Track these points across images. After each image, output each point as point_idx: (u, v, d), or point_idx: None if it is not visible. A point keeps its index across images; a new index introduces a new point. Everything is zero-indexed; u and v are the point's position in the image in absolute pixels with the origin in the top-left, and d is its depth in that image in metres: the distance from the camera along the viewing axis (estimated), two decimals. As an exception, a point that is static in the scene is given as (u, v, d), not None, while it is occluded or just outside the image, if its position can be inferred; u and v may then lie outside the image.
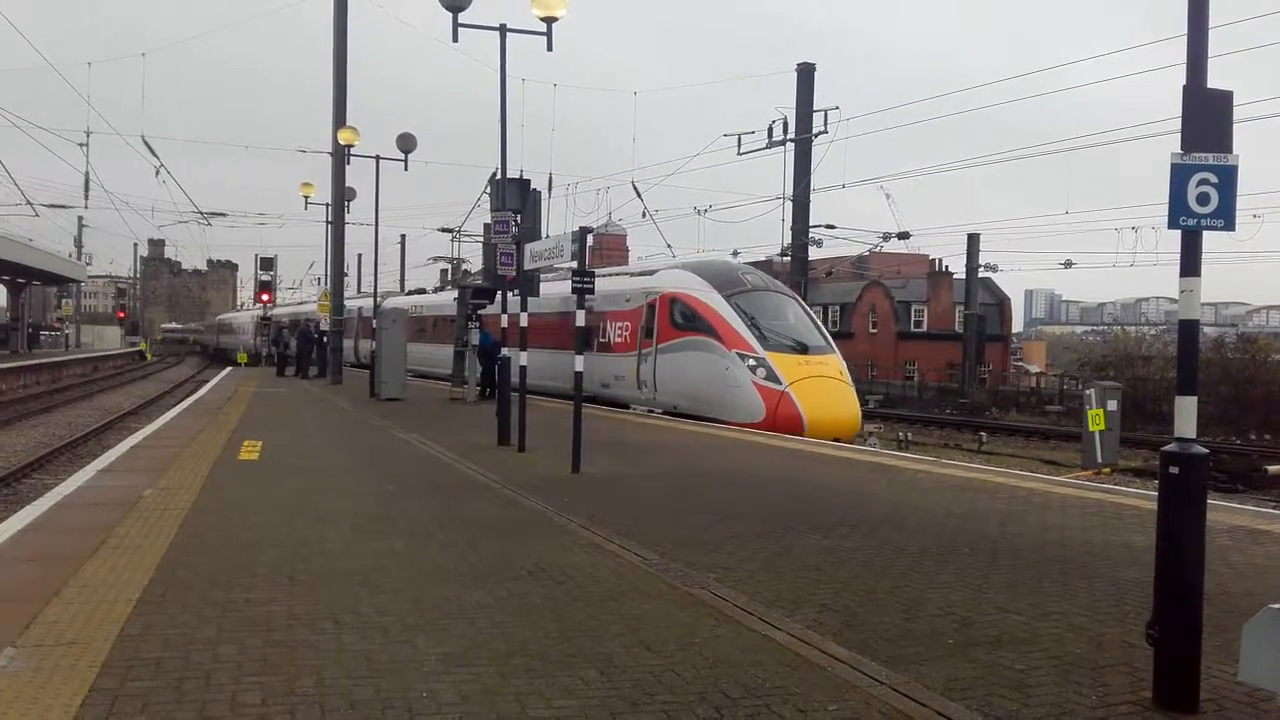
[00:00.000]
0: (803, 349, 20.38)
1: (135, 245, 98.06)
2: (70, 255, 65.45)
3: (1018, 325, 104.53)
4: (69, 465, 18.09)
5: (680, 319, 21.37)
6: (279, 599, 5.99)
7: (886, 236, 42.52)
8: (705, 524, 8.66)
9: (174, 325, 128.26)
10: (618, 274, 25.79)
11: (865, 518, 9.09)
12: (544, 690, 4.52)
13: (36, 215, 48.15)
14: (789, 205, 32.38)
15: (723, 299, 20.88)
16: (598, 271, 26.84)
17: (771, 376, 19.31)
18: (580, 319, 12.45)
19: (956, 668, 4.95)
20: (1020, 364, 71.23)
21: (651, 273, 24.02)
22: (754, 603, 6.08)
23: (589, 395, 22.55)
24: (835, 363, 20.65)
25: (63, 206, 52.58)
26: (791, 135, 31.55)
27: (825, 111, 31.30)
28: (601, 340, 23.95)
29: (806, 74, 31.82)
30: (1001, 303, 67.61)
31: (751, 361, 19.56)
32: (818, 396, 19.30)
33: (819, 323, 22.85)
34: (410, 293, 46.78)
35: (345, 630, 5.39)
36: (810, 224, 33.03)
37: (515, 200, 15.60)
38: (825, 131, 31.17)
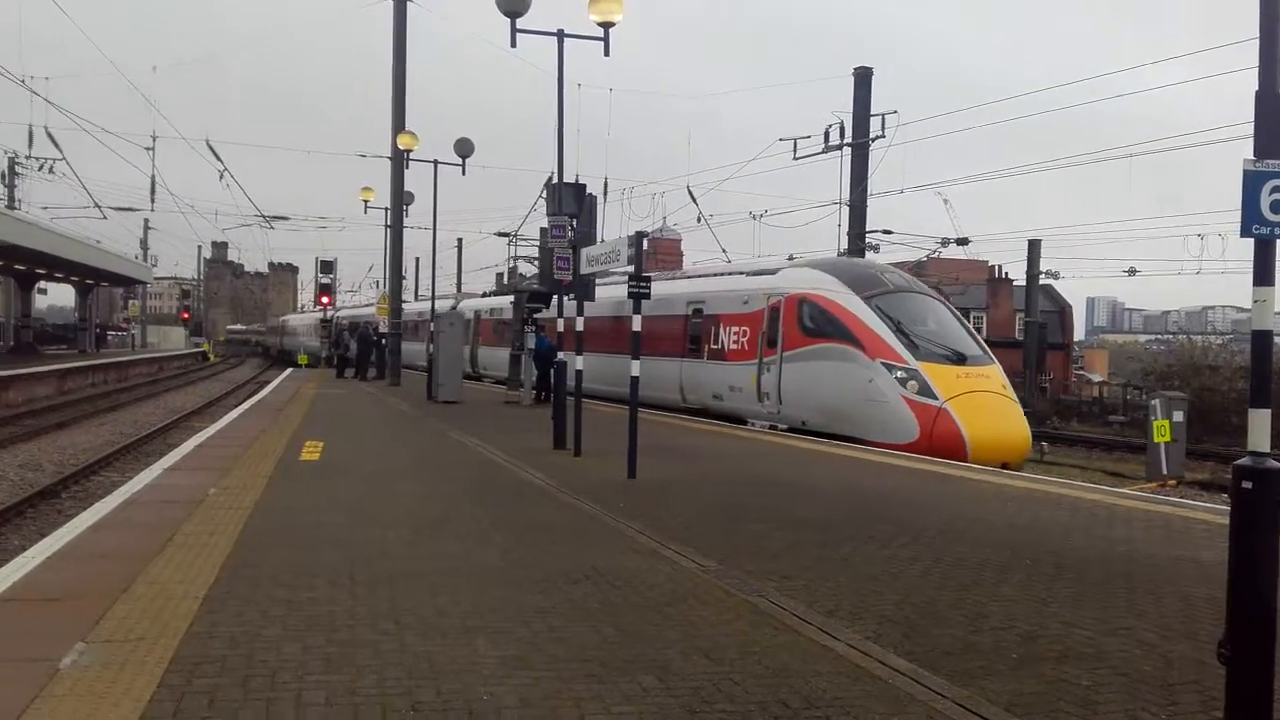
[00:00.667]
0: (959, 359, 17.94)
1: (199, 248, 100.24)
2: (136, 257, 66.85)
3: (1079, 333, 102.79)
4: (135, 463, 18.50)
5: (810, 324, 19.10)
6: (340, 599, 6.07)
7: (945, 242, 41.96)
8: (763, 531, 8.62)
9: (238, 326, 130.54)
10: (730, 273, 23.85)
11: (925, 528, 8.98)
12: (603, 696, 4.53)
13: (105, 218, 49.39)
14: (845, 210, 32.17)
15: (861, 301, 18.58)
16: (708, 270, 26.33)
17: (925, 390, 16.93)
18: (636, 324, 12.43)
19: (1021, 683, 4.88)
20: (1082, 373, 69.96)
21: (773, 271, 21.78)
22: (813, 612, 6.04)
23: (698, 408, 21.91)
24: (997, 375, 18.23)
25: (130, 209, 53.86)
26: (848, 139, 31.35)
27: (883, 115, 31.04)
28: (713, 347, 21.90)
29: (864, 78, 31.58)
30: (1063, 310, 66.49)
31: (900, 373, 17.21)
32: (981, 414, 16.89)
33: (972, 329, 20.25)
34: (488, 294, 46.74)
35: (406, 631, 5.44)
36: (867, 229, 32.76)
37: (572, 204, 15.66)
38: (883, 135, 30.92)
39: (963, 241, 42.00)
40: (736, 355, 21.08)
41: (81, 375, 39.76)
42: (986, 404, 17.20)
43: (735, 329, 21.27)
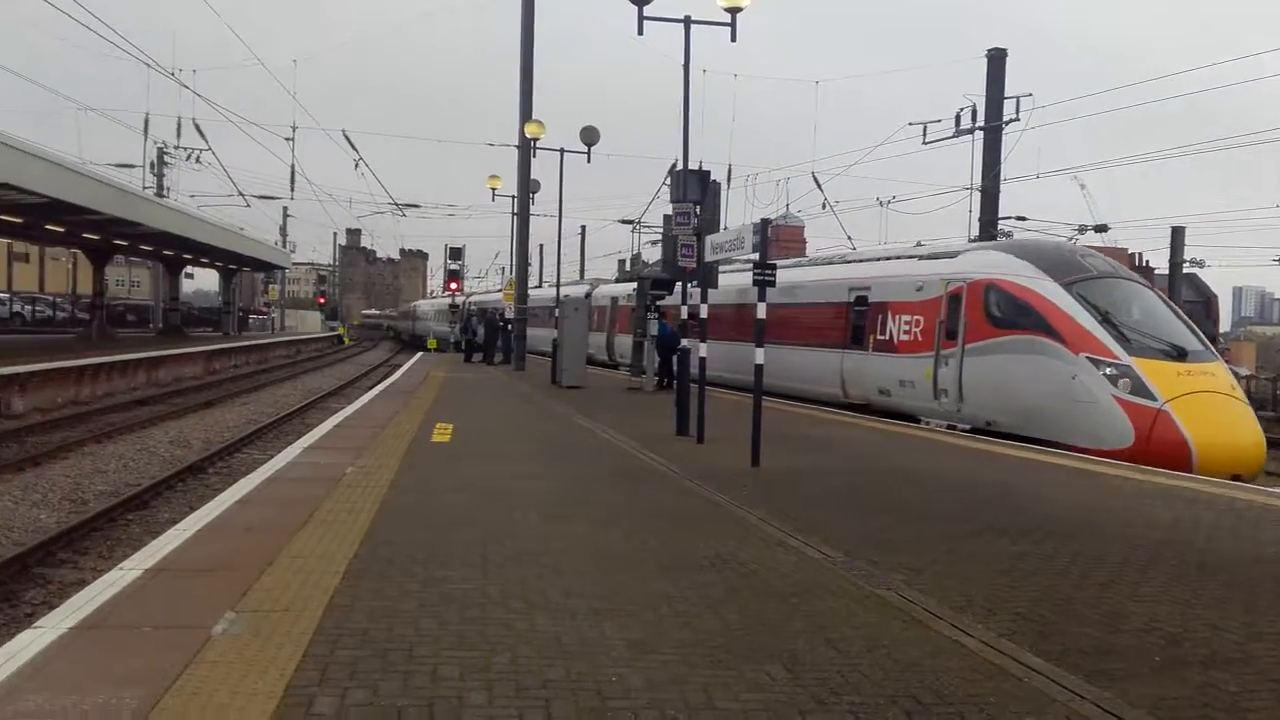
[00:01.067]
0: (1179, 354, 15.91)
1: (335, 234, 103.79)
2: (276, 243, 69.64)
3: (1225, 324, 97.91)
4: (276, 441, 19.31)
5: (999, 312, 17.25)
6: (473, 577, 6.23)
7: (1082, 229, 40.49)
8: (890, 523, 8.50)
9: (372, 311, 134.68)
10: (899, 257, 21.97)
11: (1060, 523, 8.71)
12: (730, 683, 4.54)
13: (248, 205, 51.54)
14: (977, 196, 31.33)
15: (1059, 287, 16.66)
16: (875, 254, 24.50)
17: (1140, 390, 15.02)
18: (761, 311, 12.35)
19: (1165, 686, 4.70)
20: (1229, 365, 66.64)
21: (952, 255, 19.87)
22: (943, 607, 5.93)
23: (860, 404, 20.46)
24: (1223, 374, 16.27)
25: (270, 197, 56.14)
26: (980, 123, 30.50)
27: (1017, 99, 30.07)
28: (879, 337, 20.05)
29: (997, 60, 30.64)
30: (1208, 300, 63.14)
31: (1110, 369, 15.34)
32: (1209, 418, 14.92)
33: (1189, 322, 18.22)
34: (619, 279, 46.84)
35: (536, 611, 5.56)
36: (1000, 215, 31.84)
37: (696, 192, 15.65)
38: (1017, 119, 29.98)
39: (1101, 228, 40.51)
40: (908, 347, 19.22)
41: (225, 357, 41.67)
42: (1214, 406, 15.24)
43: (907, 318, 19.44)
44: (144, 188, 41.31)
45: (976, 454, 13.92)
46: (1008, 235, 32.26)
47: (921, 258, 20.90)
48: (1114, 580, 6.70)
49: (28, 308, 57.99)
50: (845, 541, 7.64)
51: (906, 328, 19.30)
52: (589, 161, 27.49)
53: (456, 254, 46.23)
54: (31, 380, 22.19)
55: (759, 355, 12.37)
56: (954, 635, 5.39)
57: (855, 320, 21.20)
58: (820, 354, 22.24)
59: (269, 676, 4.43)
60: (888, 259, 22.14)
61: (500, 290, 51.44)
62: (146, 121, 40.22)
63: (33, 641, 4.81)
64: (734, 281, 23.35)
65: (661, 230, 31.52)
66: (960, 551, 7.48)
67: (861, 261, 23.72)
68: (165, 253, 45.83)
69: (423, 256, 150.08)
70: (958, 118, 30.96)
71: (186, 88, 32.94)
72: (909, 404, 19.08)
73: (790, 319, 22.40)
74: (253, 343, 49.95)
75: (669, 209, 18.02)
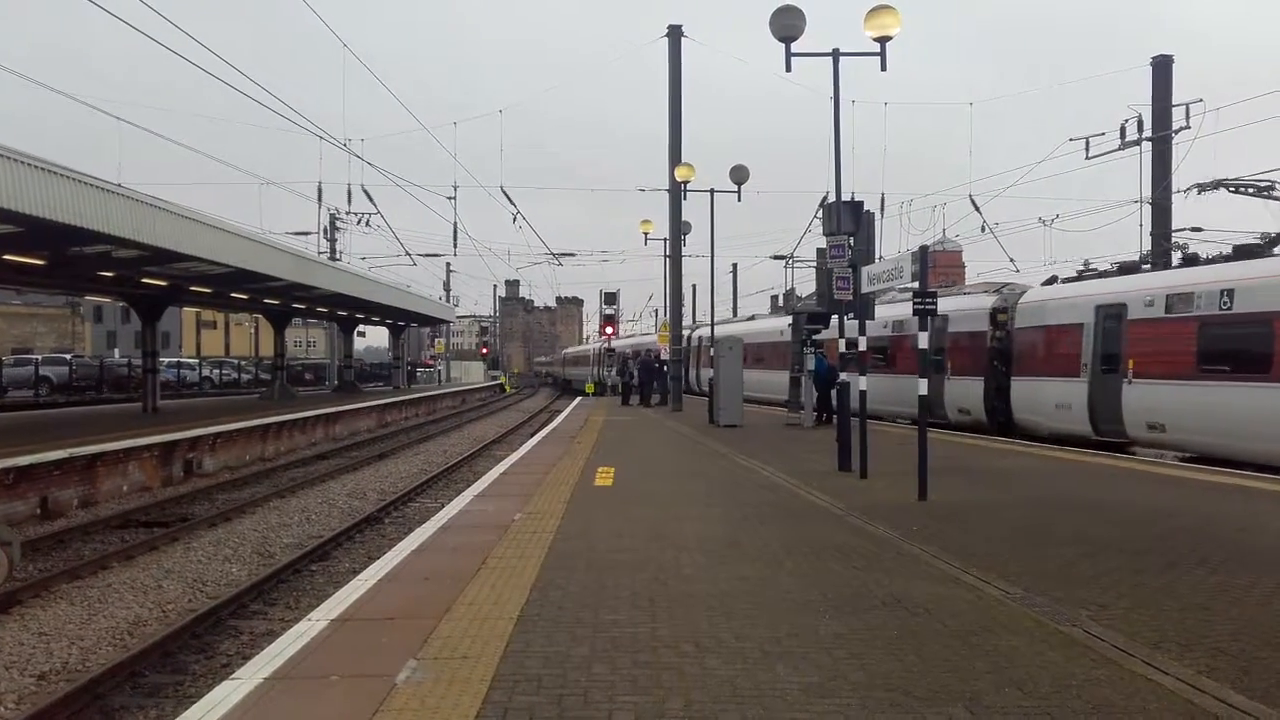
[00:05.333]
0: None
1: (494, 286, 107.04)
2: (440, 298, 72.27)
3: None
4: (446, 490, 19.92)
5: None
6: (642, 621, 6.25)
7: (1266, 239, 38.02)
8: (1071, 557, 8.12)
9: (541, 359, 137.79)
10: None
11: (1262, 552, 8.15)
12: (911, 727, 4.40)
13: (414, 264, 53.80)
14: (1147, 210, 29.87)
15: None
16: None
17: None
18: (923, 341, 12.07)
19: (1394, 730, 4.31)
20: None
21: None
22: (1135, 644, 5.61)
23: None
24: None
25: (434, 255, 58.55)
26: (1147, 134, 29.14)
27: (1186, 105, 28.63)
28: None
29: (1163, 67, 29.31)
30: None
31: None
32: None
33: None
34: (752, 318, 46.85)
35: (707, 654, 5.53)
36: (1173, 228, 30.25)
37: (849, 223, 15.46)
38: (1187, 127, 28.51)
39: (1286, 235, 37.88)
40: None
41: (397, 410, 43.38)
42: None
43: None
44: (319, 253, 43.60)
45: (1168, 481, 13.18)
46: (1181, 248, 30.64)
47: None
48: (1327, 613, 6.21)
49: (215, 371, 61.71)
50: (1024, 577, 7.33)
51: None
52: (739, 200, 27.52)
53: (611, 299, 46.91)
54: (220, 440, 23.60)
55: (922, 386, 12.06)
56: (1148, 673, 5.09)
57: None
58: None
59: (451, 722, 4.54)
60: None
61: (654, 333, 51.91)
62: (320, 190, 42.49)
63: (231, 693, 5.06)
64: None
65: (815, 263, 31.23)
66: (1150, 584, 7.07)
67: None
68: (339, 313, 48.11)
69: (578, 303, 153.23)
70: (1122, 129, 29.68)
71: (356, 156, 34.57)
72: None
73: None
74: (421, 395, 51.86)
75: (822, 242, 17.85)
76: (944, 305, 19.94)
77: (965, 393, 23.51)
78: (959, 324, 23.95)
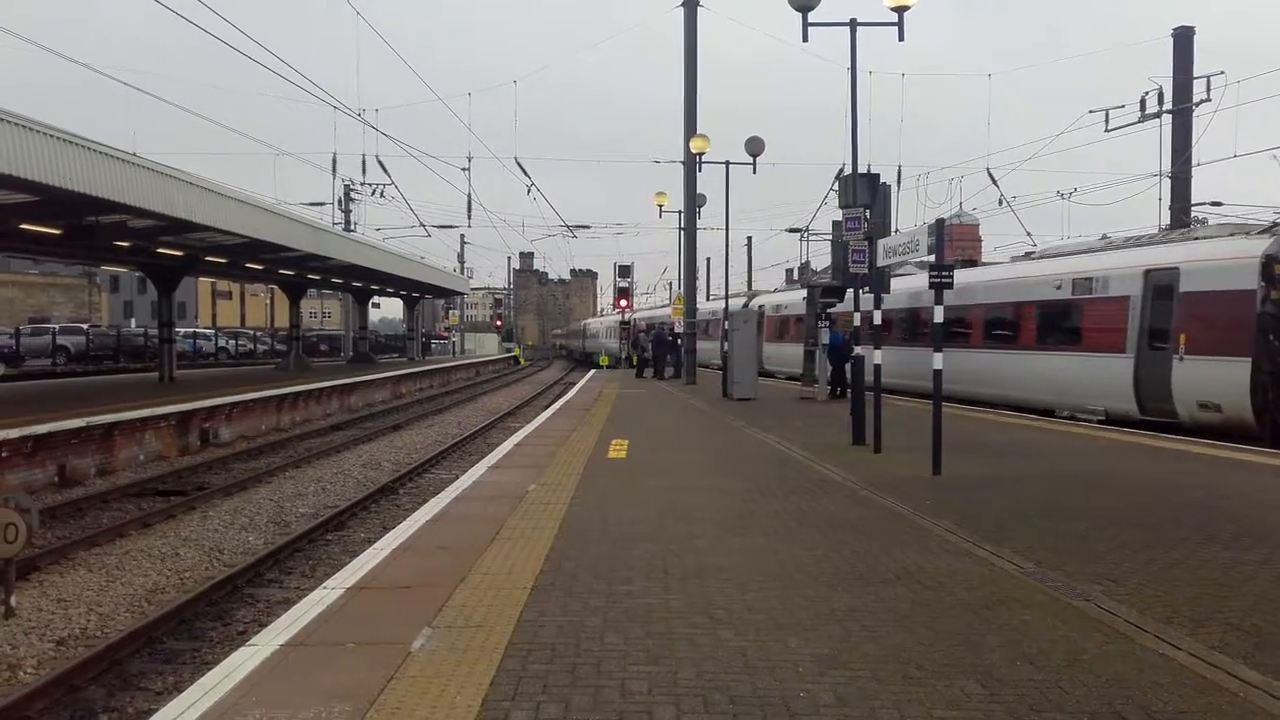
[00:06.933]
0: None
1: (509, 259, 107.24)
2: (454, 270, 72.37)
3: None
4: (461, 461, 20.01)
5: None
6: (655, 592, 6.29)
7: (1285, 211, 37.65)
8: (1083, 531, 8.11)
9: (558, 331, 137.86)
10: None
11: (1273, 528, 8.12)
12: (923, 699, 4.42)
13: (429, 235, 53.81)
14: (1166, 183, 29.64)
15: None
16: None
17: None
18: (938, 315, 12.01)
19: (1407, 706, 4.31)
20: None
21: None
22: (1147, 618, 5.61)
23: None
24: None
25: (449, 226, 58.74)
26: (1167, 106, 28.86)
27: (1208, 78, 28.34)
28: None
29: (1184, 38, 28.99)
30: None
31: None
32: None
33: None
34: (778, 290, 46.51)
35: (719, 626, 5.55)
36: (1192, 202, 30.00)
37: (865, 196, 15.40)
38: (1208, 99, 28.22)
39: (1309, 209, 37.57)
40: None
41: (411, 381, 43.52)
42: None
43: None
44: (333, 224, 43.64)
45: (1174, 455, 13.14)
46: (1202, 222, 30.41)
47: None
48: (1342, 590, 6.19)
49: (231, 342, 62.01)
50: (1036, 551, 7.33)
51: None
52: (754, 172, 27.41)
53: (625, 272, 46.94)
54: (236, 410, 23.74)
55: (937, 360, 12.01)
56: (1160, 649, 5.09)
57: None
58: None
59: (466, 692, 4.58)
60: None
61: (669, 305, 51.88)
62: (334, 161, 42.59)
63: (248, 659, 5.12)
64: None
65: (830, 237, 31.13)
66: (1163, 560, 7.07)
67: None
68: (354, 284, 48.23)
69: (592, 275, 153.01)
70: (1143, 102, 29.41)
71: (371, 126, 34.60)
72: None
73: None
74: (436, 366, 52.00)
75: (838, 215, 17.78)
76: (1173, 254, 17.37)
77: (1213, 380, 16.35)
78: (1198, 280, 16.77)
